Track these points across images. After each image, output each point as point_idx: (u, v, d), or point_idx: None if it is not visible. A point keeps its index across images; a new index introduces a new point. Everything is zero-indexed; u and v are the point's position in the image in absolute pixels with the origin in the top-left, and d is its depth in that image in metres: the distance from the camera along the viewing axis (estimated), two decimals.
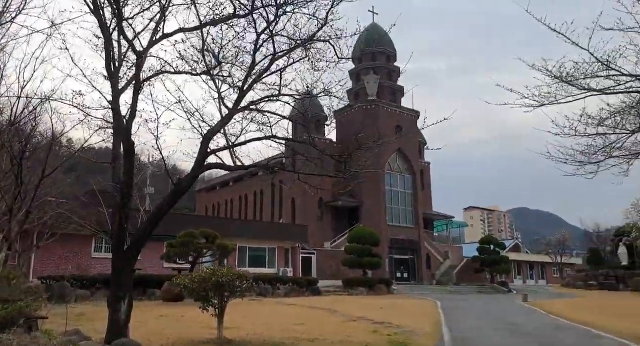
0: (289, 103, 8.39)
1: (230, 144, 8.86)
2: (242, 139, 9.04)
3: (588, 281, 36.77)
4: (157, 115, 7.33)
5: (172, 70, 7.54)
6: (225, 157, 8.81)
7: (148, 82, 7.54)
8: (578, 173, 9.12)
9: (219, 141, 9.12)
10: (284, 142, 9.20)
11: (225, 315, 10.35)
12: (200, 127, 8.43)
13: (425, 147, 51.77)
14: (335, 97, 8.35)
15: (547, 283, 53.56)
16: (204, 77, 8.47)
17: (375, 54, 49.54)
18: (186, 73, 7.62)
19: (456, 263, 48.24)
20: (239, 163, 8.90)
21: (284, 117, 8.43)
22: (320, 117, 39.12)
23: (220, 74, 7.83)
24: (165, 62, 7.50)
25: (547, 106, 8.89)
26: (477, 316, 17.29)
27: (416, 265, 45.50)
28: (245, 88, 7.77)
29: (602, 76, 8.07)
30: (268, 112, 8.31)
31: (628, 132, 8.36)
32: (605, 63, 7.86)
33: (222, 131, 8.87)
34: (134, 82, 7.28)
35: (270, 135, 8.15)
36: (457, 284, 42.66)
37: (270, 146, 9.11)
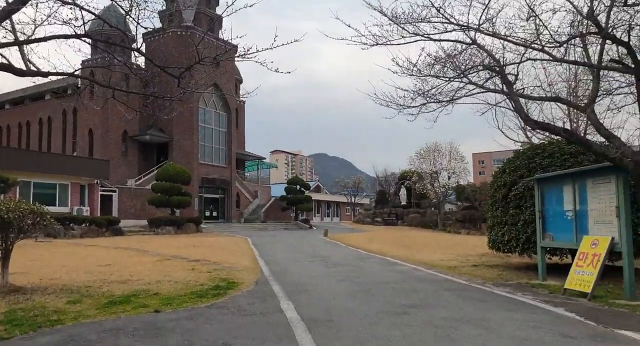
0: None
1: (20, 40, 6.82)
2: (40, 35, 7.03)
3: (375, 218, 42.35)
4: None
5: None
6: (15, 59, 6.76)
7: None
8: (401, 114, 9.73)
9: (6, 35, 6.97)
10: (96, 45, 7.49)
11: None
12: None
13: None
14: None
15: (341, 220, 60.11)
16: None
17: None
18: None
19: (264, 202, 50.08)
20: (33, 68, 6.96)
21: (97, 16, 6.70)
22: (125, 37, 34.46)
23: None
24: None
25: (381, 46, 9.13)
26: (287, 251, 18.13)
27: (226, 204, 45.67)
28: None
29: (435, 21, 8.52)
30: (74, 3, 6.45)
31: (446, 79, 9.14)
32: (437, 8, 8.28)
33: (9, 23, 6.75)
34: None
35: (83, 33, 6.41)
36: (264, 222, 44.53)
37: (79, 50, 7.30)
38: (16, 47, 7.00)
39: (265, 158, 61.33)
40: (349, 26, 9.69)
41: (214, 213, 44.64)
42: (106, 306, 7.01)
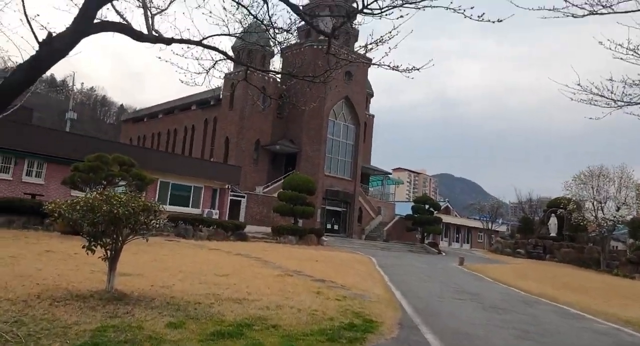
0: None
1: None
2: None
3: (516, 249, 37.09)
4: None
5: None
6: (136, 21, 5.46)
7: None
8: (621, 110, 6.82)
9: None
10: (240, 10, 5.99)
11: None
12: None
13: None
14: None
15: (471, 247, 54.79)
16: None
17: None
18: None
19: (387, 220, 47.54)
20: (155, 33, 5.63)
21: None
22: (265, 51, 35.07)
23: None
24: None
25: (595, 17, 6.36)
26: (423, 280, 15.56)
27: (348, 218, 44.08)
28: None
29: None
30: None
31: None
32: None
33: None
34: None
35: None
36: (387, 240, 41.94)
37: (209, 17, 5.86)
38: (141, 11, 5.76)
39: (391, 173, 58.82)
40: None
41: (335, 227, 43.28)
42: (211, 338, 5.30)
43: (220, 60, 6.34)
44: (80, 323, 5.42)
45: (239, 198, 35.10)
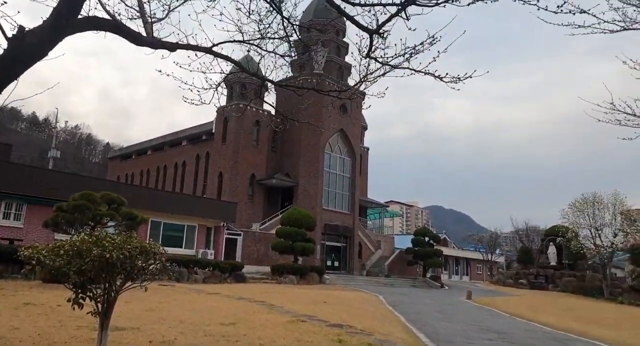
0: None
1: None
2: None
3: (518, 280, 36.03)
4: None
5: None
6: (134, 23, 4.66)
7: None
8: None
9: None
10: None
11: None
12: None
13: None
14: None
15: (471, 279, 53.43)
16: None
17: (324, 26, 45.61)
18: None
19: (387, 254, 46.25)
20: (154, 37, 4.82)
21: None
22: (258, 84, 34.38)
23: None
24: None
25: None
26: (440, 318, 14.50)
27: (348, 254, 42.73)
28: None
29: None
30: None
31: None
32: None
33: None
34: None
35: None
36: (388, 276, 40.57)
37: (220, 19, 5.09)
38: (137, 14, 4.97)
39: (388, 206, 57.85)
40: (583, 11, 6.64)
41: (335, 263, 41.81)
42: None
43: (232, 73, 5.54)
44: None
45: (235, 237, 33.78)
